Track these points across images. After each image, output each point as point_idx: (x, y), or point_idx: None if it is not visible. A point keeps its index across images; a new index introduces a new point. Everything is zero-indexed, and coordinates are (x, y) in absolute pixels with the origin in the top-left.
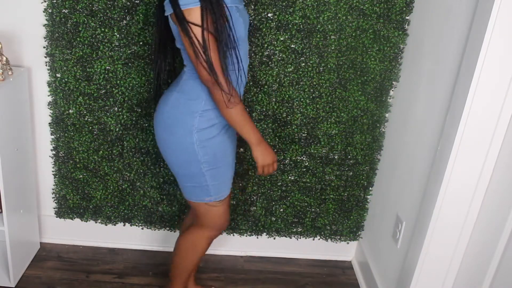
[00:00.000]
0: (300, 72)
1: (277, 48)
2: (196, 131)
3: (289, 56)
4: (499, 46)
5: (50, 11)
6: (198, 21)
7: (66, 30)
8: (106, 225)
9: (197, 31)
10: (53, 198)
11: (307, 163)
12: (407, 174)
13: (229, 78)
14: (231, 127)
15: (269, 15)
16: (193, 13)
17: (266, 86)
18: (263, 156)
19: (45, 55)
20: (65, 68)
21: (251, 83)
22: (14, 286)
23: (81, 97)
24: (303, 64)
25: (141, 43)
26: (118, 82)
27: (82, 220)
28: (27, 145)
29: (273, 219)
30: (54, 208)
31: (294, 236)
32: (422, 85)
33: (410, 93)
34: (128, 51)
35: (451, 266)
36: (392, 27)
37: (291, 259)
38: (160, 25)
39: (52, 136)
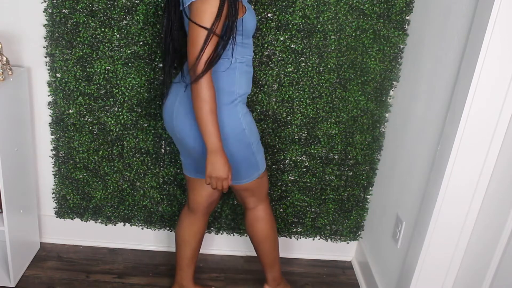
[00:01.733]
0: (300, 72)
1: (277, 48)
2: (242, 117)
3: (289, 56)
4: (499, 46)
5: (50, 11)
6: (212, 11)
7: (66, 30)
8: (106, 225)
9: (207, 20)
10: (53, 198)
11: (307, 163)
12: (407, 174)
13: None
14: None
15: (269, 15)
16: (210, 2)
17: (266, 86)
18: (212, 166)
19: (45, 55)
20: (65, 68)
21: None
22: (14, 286)
23: (81, 97)
24: (303, 64)
25: (141, 43)
26: (118, 82)
27: (82, 220)
28: (27, 145)
29: None
30: (54, 208)
31: (294, 236)
32: (422, 85)
33: (410, 93)
34: (128, 51)
35: (451, 266)
36: (392, 27)
37: (291, 259)
38: (171, 19)
39: (52, 136)
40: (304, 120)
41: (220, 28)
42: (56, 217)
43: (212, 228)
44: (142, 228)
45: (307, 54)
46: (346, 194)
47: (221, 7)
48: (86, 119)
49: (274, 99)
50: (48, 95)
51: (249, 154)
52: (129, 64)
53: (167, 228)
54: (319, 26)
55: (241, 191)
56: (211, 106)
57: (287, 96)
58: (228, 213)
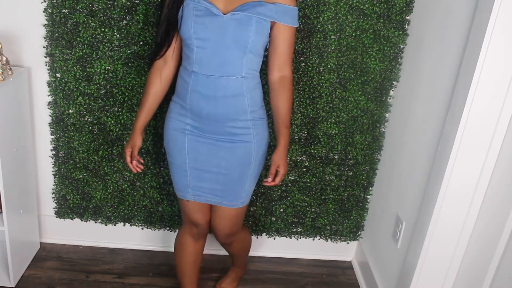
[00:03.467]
0: (300, 72)
1: None
2: (166, 115)
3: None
4: (499, 46)
5: (50, 11)
6: None
7: (66, 30)
8: (106, 225)
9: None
10: (53, 198)
11: (307, 163)
12: (407, 174)
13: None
14: (212, 142)
15: None
16: None
17: (266, 86)
18: (128, 142)
19: (45, 55)
20: (65, 68)
21: None
22: (14, 286)
23: (81, 97)
24: (303, 64)
25: (141, 43)
26: (118, 82)
27: (82, 220)
28: (27, 145)
29: (273, 219)
30: (54, 208)
31: (294, 236)
32: (422, 85)
33: (410, 93)
34: (128, 51)
35: (451, 266)
36: (392, 27)
37: (291, 259)
38: None
39: (52, 136)
40: (304, 120)
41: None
42: (56, 217)
43: None
44: (142, 228)
45: (307, 54)
46: (346, 194)
47: None
48: (86, 119)
49: None
50: (48, 95)
51: (167, 157)
52: (129, 64)
53: (167, 228)
54: (319, 26)
55: None
56: (145, 90)
57: None
58: None
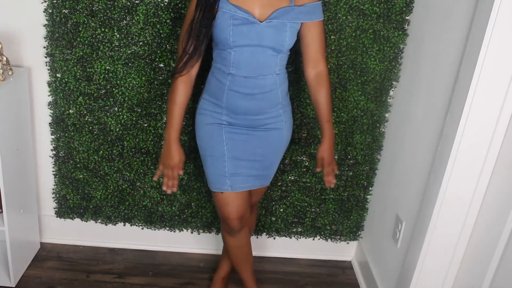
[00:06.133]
0: (300, 72)
1: None
2: (198, 113)
3: (289, 56)
4: (499, 46)
5: (50, 11)
6: (191, 7)
7: (66, 30)
8: (106, 225)
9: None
10: (53, 198)
11: (307, 163)
12: (407, 174)
13: (185, 61)
14: (248, 132)
15: None
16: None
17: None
18: (162, 155)
19: (45, 55)
20: (65, 68)
21: None
22: (14, 286)
23: (81, 97)
24: (303, 64)
25: (141, 43)
26: (118, 82)
27: (82, 220)
28: (27, 145)
29: (273, 219)
30: (54, 208)
31: (294, 236)
32: (422, 85)
33: (410, 93)
34: (128, 51)
35: (451, 266)
36: (392, 27)
37: (291, 259)
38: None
39: (52, 136)
40: (304, 120)
41: (188, 22)
42: (56, 217)
43: (212, 228)
44: (142, 228)
45: None
46: (346, 194)
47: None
48: (86, 119)
49: None
50: (48, 95)
51: (201, 154)
52: (129, 64)
53: (167, 228)
54: None
55: None
56: (173, 98)
57: None
58: None
